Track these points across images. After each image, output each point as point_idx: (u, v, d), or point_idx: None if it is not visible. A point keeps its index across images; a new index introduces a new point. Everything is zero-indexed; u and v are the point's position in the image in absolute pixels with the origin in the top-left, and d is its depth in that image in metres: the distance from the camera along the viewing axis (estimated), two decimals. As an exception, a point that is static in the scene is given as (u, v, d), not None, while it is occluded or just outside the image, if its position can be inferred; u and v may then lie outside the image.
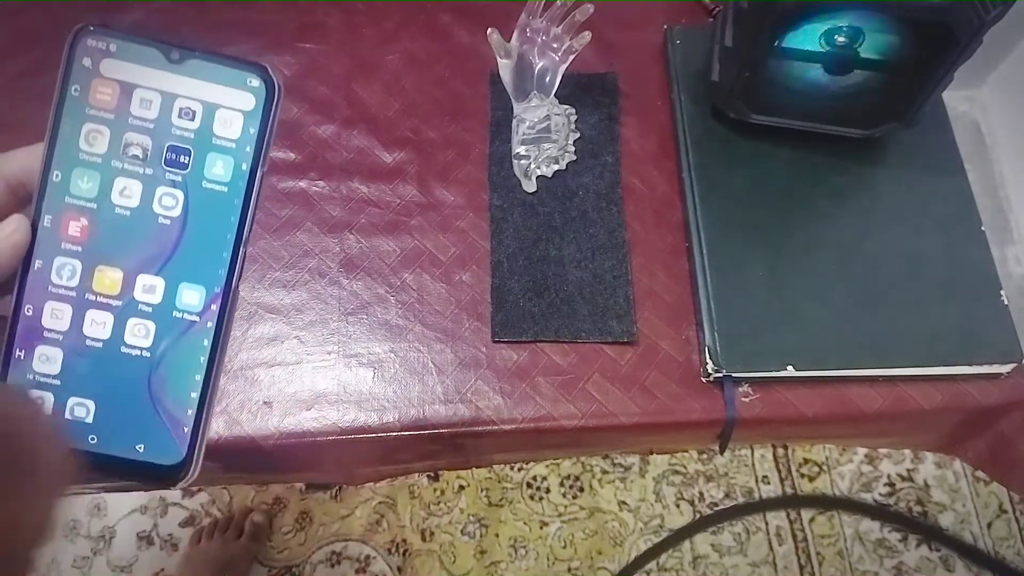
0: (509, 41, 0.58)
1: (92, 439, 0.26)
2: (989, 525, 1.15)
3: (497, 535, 1.14)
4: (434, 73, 0.66)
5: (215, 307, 0.27)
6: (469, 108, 0.64)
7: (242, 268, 0.28)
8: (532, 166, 0.60)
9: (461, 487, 1.17)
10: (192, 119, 0.27)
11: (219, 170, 0.27)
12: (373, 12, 0.68)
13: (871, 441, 0.82)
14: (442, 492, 1.16)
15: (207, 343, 0.27)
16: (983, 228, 0.57)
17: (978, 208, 0.58)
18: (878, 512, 1.16)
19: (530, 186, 0.60)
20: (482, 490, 1.17)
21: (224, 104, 0.27)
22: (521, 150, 0.61)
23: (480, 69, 0.66)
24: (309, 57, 0.66)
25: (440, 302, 0.57)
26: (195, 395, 0.27)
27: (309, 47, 0.67)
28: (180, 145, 0.27)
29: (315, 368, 0.55)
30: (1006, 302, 0.55)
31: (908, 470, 1.19)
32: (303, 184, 0.61)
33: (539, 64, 0.60)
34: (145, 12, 0.66)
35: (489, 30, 0.57)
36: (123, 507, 1.17)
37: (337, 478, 1.00)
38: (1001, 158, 1.08)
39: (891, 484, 1.18)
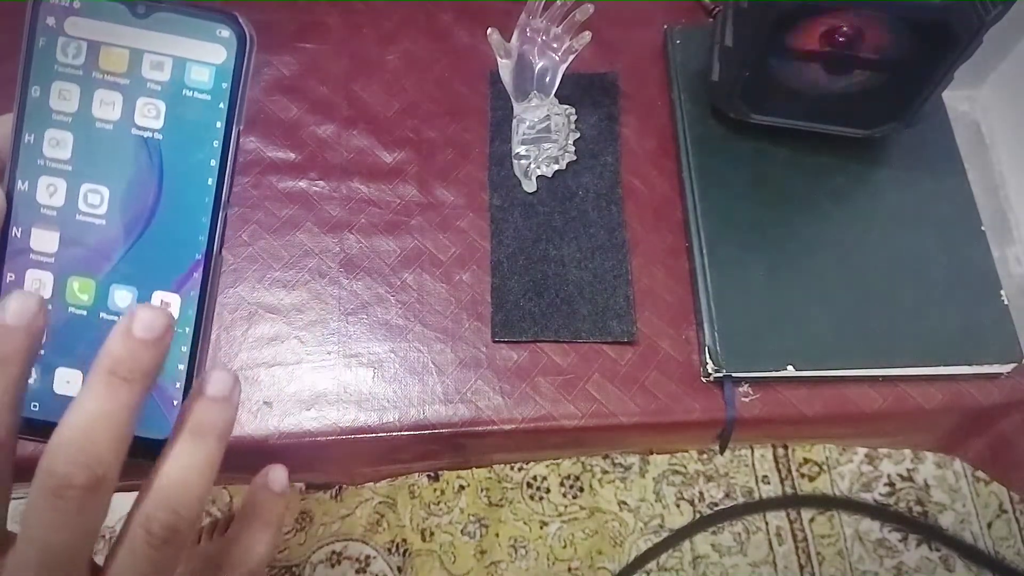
0: (509, 41, 0.58)
1: (34, 407, 0.26)
2: (989, 525, 1.15)
3: (497, 535, 1.14)
4: (434, 73, 0.66)
5: (197, 275, 0.26)
6: (469, 108, 0.64)
7: (223, 232, 0.26)
8: (532, 166, 0.60)
9: (461, 487, 1.17)
10: (161, 74, 0.26)
11: (193, 128, 0.26)
12: (373, 12, 0.68)
13: (871, 441, 0.82)
14: (442, 492, 1.16)
15: (191, 312, 0.26)
16: (983, 228, 0.57)
17: (978, 208, 0.58)
18: (878, 512, 1.16)
19: (530, 186, 0.60)
20: (482, 490, 1.17)
21: (194, 58, 0.26)
22: (521, 150, 0.61)
23: (480, 69, 0.66)
24: (309, 57, 0.66)
25: (440, 302, 0.57)
26: (182, 367, 0.26)
27: (309, 47, 0.67)
28: (151, 104, 0.26)
29: (315, 368, 0.55)
30: (1006, 302, 0.55)
31: (908, 470, 1.19)
32: (303, 184, 0.61)
33: (539, 64, 0.60)
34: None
35: (489, 30, 0.57)
36: (124, 507, 1.16)
37: (337, 478, 1.00)
38: (1001, 158, 1.08)
39: (891, 484, 1.18)
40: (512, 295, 0.57)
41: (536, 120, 0.61)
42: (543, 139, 0.60)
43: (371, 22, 0.68)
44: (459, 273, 0.58)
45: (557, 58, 0.59)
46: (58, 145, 0.26)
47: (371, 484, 1.16)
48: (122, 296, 0.26)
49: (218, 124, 0.26)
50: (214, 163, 0.26)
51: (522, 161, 0.61)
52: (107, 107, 0.26)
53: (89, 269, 0.26)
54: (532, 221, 0.59)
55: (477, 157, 0.62)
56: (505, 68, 0.59)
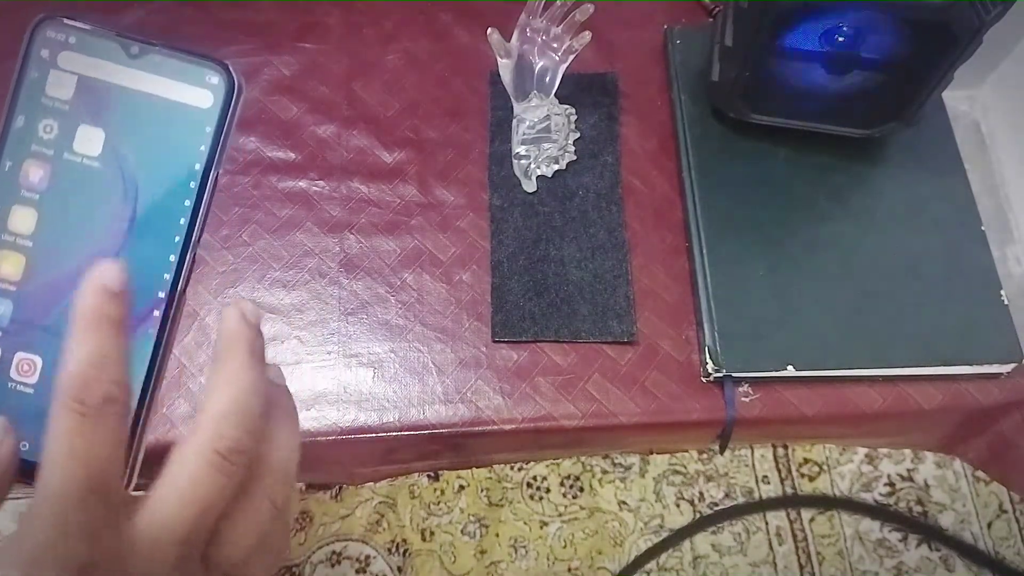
0: (509, 41, 0.58)
1: (24, 446, 0.26)
2: (989, 525, 1.15)
3: (497, 535, 1.14)
4: (434, 73, 0.66)
5: (157, 313, 0.26)
6: (469, 108, 0.64)
7: (190, 273, 0.26)
8: (532, 166, 0.60)
9: (461, 487, 1.16)
10: (145, 114, 0.26)
11: (171, 169, 0.26)
12: (373, 12, 0.68)
13: (871, 441, 0.82)
14: (442, 492, 1.16)
15: (148, 350, 0.26)
16: (983, 228, 0.57)
17: (978, 208, 0.58)
18: (878, 512, 1.16)
19: (530, 186, 0.60)
20: (482, 490, 1.16)
21: (181, 101, 0.26)
22: (521, 150, 0.61)
23: (480, 69, 0.66)
24: (309, 57, 0.66)
25: (440, 302, 0.57)
26: (132, 404, 0.26)
27: (309, 47, 0.67)
28: (130, 143, 0.26)
29: (315, 368, 0.55)
30: (1006, 302, 0.55)
31: (908, 470, 1.19)
32: (303, 184, 0.61)
33: (539, 64, 0.60)
34: (145, 12, 0.66)
35: (489, 30, 0.57)
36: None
37: (337, 478, 1.00)
38: (1001, 158, 1.08)
39: (891, 484, 1.18)
40: (512, 295, 0.57)
41: (536, 120, 0.61)
42: (543, 139, 0.60)
43: (371, 22, 0.68)
44: (459, 273, 0.58)
45: (557, 58, 0.59)
46: (34, 176, 0.26)
47: (371, 484, 1.16)
48: None
49: (197, 167, 0.26)
50: (188, 203, 0.26)
51: (522, 161, 0.61)
52: (88, 143, 0.26)
53: (53, 297, 0.26)
54: (532, 221, 0.59)
55: (477, 157, 0.62)
56: (505, 68, 0.59)
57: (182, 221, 0.26)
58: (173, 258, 0.26)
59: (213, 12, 0.68)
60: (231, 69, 0.26)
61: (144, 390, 0.26)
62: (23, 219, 0.26)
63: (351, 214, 0.60)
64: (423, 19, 0.68)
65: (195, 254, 0.27)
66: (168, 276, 0.26)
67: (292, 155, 0.62)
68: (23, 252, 0.26)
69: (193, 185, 0.26)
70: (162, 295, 0.26)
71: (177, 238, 0.26)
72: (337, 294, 0.57)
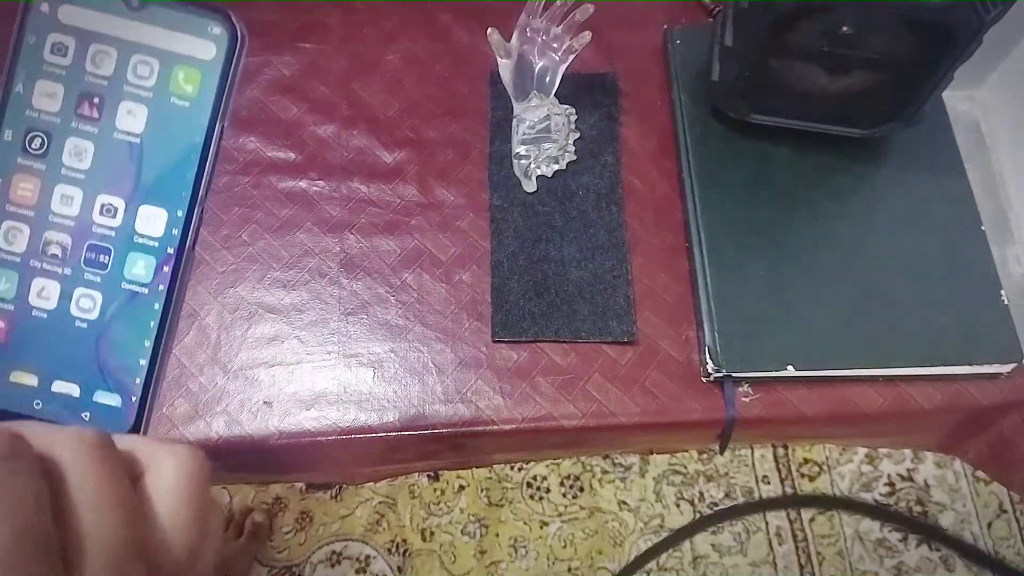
0: (509, 41, 0.58)
1: (37, 404, 0.26)
2: (989, 525, 1.15)
3: (497, 535, 1.14)
4: (434, 73, 0.66)
5: (167, 268, 0.26)
6: (469, 108, 0.64)
7: (198, 229, 0.26)
8: (532, 166, 0.60)
9: (461, 487, 1.17)
10: (148, 72, 0.26)
11: (175, 125, 0.26)
12: (373, 12, 0.68)
13: (871, 441, 0.82)
14: (442, 492, 1.16)
15: (157, 307, 0.26)
16: (983, 228, 0.57)
17: (978, 208, 0.58)
18: (878, 512, 1.16)
19: (530, 186, 0.60)
20: (482, 490, 1.16)
21: (183, 53, 0.26)
22: (521, 150, 0.61)
23: (480, 69, 0.66)
24: (309, 57, 0.66)
25: (440, 302, 0.57)
26: (144, 362, 0.26)
27: (309, 47, 0.67)
28: (135, 99, 0.26)
29: (315, 368, 0.55)
30: (1006, 302, 0.55)
31: (908, 470, 1.19)
32: (303, 184, 0.61)
33: (539, 64, 0.60)
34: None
35: (489, 30, 0.57)
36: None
37: (337, 478, 1.00)
38: (1001, 158, 1.08)
39: (891, 484, 1.18)
40: (512, 295, 0.56)
41: (536, 120, 0.61)
42: (543, 139, 0.60)
43: (371, 22, 0.68)
44: (459, 273, 0.58)
45: (557, 58, 0.59)
46: (36, 144, 0.26)
47: (371, 484, 1.16)
48: (87, 297, 0.26)
49: (202, 120, 0.26)
50: (194, 158, 0.26)
51: (522, 161, 0.61)
52: (91, 100, 0.26)
53: (56, 269, 0.26)
54: (532, 221, 0.59)
55: (477, 157, 0.62)
56: (505, 68, 0.59)
57: (188, 176, 0.26)
58: (181, 213, 0.26)
59: (213, 12, 0.67)
60: (233, 19, 0.26)
61: (155, 349, 0.26)
62: (27, 190, 0.26)
63: (351, 214, 0.60)
64: (423, 19, 0.68)
65: (203, 210, 0.26)
66: (176, 231, 0.26)
67: (292, 155, 0.62)
68: (27, 224, 0.26)
69: (198, 139, 0.26)
70: (171, 251, 0.26)
71: (184, 193, 0.26)
72: (337, 294, 0.57)
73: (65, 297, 0.26)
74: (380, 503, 1.15)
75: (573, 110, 0.63)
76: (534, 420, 0.53)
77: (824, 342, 0.54)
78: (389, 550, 1.13)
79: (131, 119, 0.26)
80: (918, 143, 0.60)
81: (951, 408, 0.55)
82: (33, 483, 0.20)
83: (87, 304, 0.26)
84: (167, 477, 0.24)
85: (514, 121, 0.61)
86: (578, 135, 0.62)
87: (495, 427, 0.53)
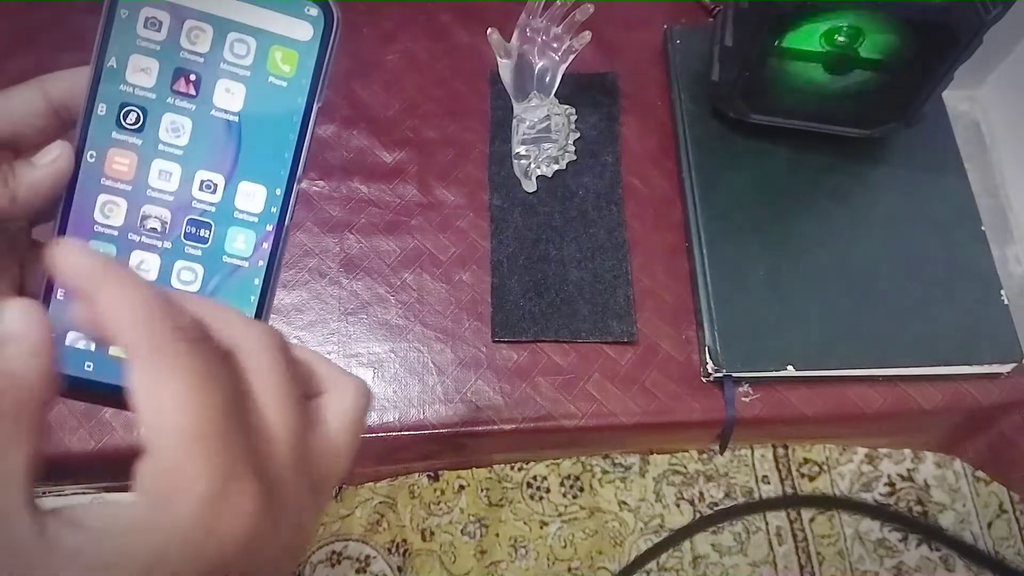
0: (509, 41, 0.58)
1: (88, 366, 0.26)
2: (989, 525, 1.15)
3: (497, 535, 1.14)
4: (434, 73, 0.66)
5: (267, 245, 0.27)
6: (469, 108, 0.64)
7: (295, 206, 0.27)
8: (532, 166, 0.60)
9: (461, 487, 1.17)
10: (245, 51, 0.26)
11: (273, 104, 0.26)
12: (373, 12, 0.68)
13: (871, 441, 0.82)
14: (442, 492, 1.16)
15: (257, 282, 0.27)
16: (983, 228, 0.57)
17: (978, 208, 0.58)
18: (878, 512, 1.16)
19: (530, 186, 0.60)
20: (482, 490, 1.16)
21: (280, 32, 0.26)
22: (521, 150, 0.61)
23: (480, 69, 0.66)
24: (309, 57, 0.66)
25: (440, 302, 0.57)
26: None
27: (309, 47, 0.67)
28: (233, 80, 0.26)
29: (315, 368, 0.55)
30: (1006, 302, 0.55)
31: (908, 470, 1.19)
32: (303, 184, 0.61)
33: (539, 64, 0.60)
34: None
35: (489, 30, 0.57)
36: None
37: (337, 478, 1.00)
38: (1001, 158, 1.08)
39: (891, 484, 1.18)
40: (512, 295, 0.57)
41: (536, 120, 0.61)
42: (543, 139, 0.60)
43: (371, 22, 0.68)
44: (459, 273, 0.58)
45: (557, 58, 0.59)
46: (132, 119, 0.26)
47: (371, 484, 1.16)
48: (188, 270, 0.26)
49: (299, 100, 0.26)
50: (292, 136, 0.26)
51: (522, 161, 0.61)
52: (189, 79, 0.26)
53: (155, 243, 0.26)
54: (532, 221, 0.59)
55: (477, 157, 0.62)
56: (505, 68, 0.59)
57: (287, 155, 0.26)
58: (279, 191, 0.26)
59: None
60: (331, 1, 0.26)
61: (256, 317, 0.27)
62: (124, 165, 0.26)
63: (351, 214, 0.60)
64: (423, 19, 0.68)
65: (300, 188, 0.27)
66: (275, 210, 0.27)
67: (292, 155, 0.62)
68: (125, 197, 0.26)
69: (296, 119, 0.26)
70: (270, 228, 0.27)
71: (283, 172, 0.26)
72: (337, 294, 0.57)
73: (165, 270, 0.26)
74: (380, 503, 1.15)
75: (573, 110, 0.63)
76: (534, 420, 0.53)
77: (824, 342, 0.54)
78: (389, 550, 1.13)
79: (229, 97, 0.26)
80: (918, 143, 0.60)
81: (951, 408, 0.55)
82: (227, 367, 0.20)
83: (188, 276, 0.26)
84: (346, 402, 0.23)
85: (514, 121, 0.61)
86: (578, 135, 0.62)
87: (495, 427, 0.53)
